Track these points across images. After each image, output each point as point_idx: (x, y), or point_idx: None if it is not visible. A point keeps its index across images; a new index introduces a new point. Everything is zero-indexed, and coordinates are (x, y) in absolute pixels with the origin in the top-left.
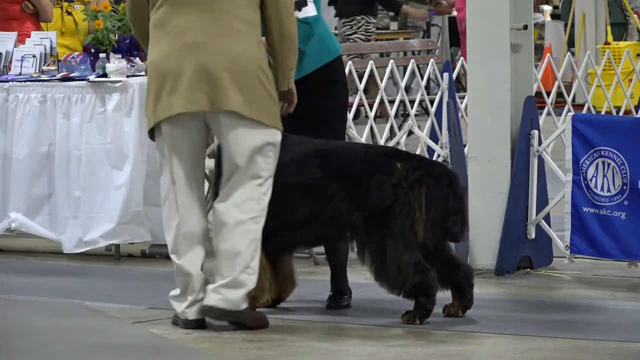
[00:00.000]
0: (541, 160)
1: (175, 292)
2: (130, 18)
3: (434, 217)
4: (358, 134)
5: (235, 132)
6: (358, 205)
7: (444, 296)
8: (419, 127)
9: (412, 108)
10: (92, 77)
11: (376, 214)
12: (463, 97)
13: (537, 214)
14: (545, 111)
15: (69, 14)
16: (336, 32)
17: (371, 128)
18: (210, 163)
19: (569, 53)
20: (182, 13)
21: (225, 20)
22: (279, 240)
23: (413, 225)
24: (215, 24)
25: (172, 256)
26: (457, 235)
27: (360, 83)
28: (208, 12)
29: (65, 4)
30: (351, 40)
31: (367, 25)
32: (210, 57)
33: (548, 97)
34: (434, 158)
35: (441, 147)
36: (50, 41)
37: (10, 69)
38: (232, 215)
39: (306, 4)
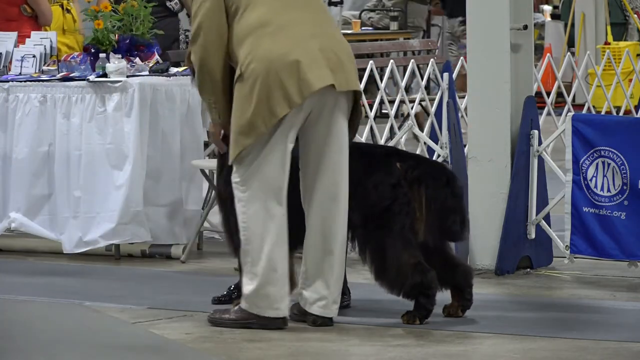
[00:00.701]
0: (541, 160)
1: (260, 290)
2: (208, 24)
3: (434, 217)
4: (358, 134)
5: (345, 118)
6: (357, 205)
7: (444, 296)
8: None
9: (412, 108)
10: (92, 77)
11: (375, 214)
12: (463, 97)
13: (537, 214)
14: (545, 111)
15: (68, 11)
16: (449, 32)
17: (371, 128)
18: (210, 163)
19: (569, 53)
20: (284, 13)
21: (327, 16)
22: None
23: (413, 225)
24: (324, 19)
25: (264, 246)
26: (457, 234)
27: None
28: (311, 10)
29: (65, 2)
30: None
31: None
32: (333, 43)
33: (548, 97)
34: (434, 158)
35: (441, 147)
36: (50, 41)
37: (10, 69)
38: (345, 219)
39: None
